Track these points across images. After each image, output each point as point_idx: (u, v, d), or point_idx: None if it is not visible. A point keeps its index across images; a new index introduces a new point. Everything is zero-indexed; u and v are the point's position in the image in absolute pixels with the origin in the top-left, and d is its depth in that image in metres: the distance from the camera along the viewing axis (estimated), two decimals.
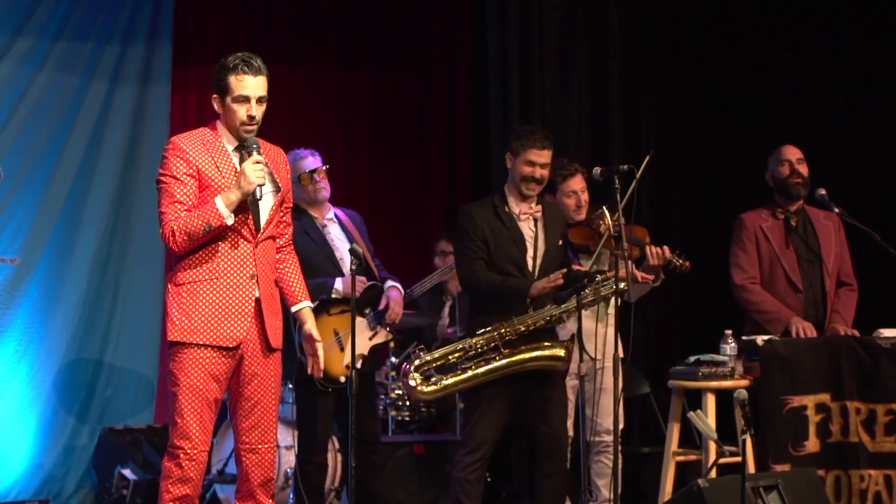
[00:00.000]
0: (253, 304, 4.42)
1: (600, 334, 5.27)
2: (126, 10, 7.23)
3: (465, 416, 5.38)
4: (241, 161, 4.41)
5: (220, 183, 4.37)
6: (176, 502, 4.38)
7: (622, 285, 5.12)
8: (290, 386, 6.43)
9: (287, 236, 4.68)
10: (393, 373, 6.76)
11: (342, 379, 5.43)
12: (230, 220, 4.33)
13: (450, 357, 5.20)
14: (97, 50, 7.15)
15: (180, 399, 4.35)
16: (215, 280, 4.37)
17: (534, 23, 7.52)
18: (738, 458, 4.74)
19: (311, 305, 4.70)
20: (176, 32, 7.35)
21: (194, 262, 4.37)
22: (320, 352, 4.64)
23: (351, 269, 5.00)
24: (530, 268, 5.26)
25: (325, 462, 5.86)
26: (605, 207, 5.46)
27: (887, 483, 5.43)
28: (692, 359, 5.57)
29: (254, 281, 4.41)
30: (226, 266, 4.38)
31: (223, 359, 4.39)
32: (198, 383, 4.35)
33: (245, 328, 4.40)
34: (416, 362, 5.19)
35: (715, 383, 5.47)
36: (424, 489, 6.55)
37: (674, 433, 5.69)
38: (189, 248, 4.34)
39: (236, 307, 4.39)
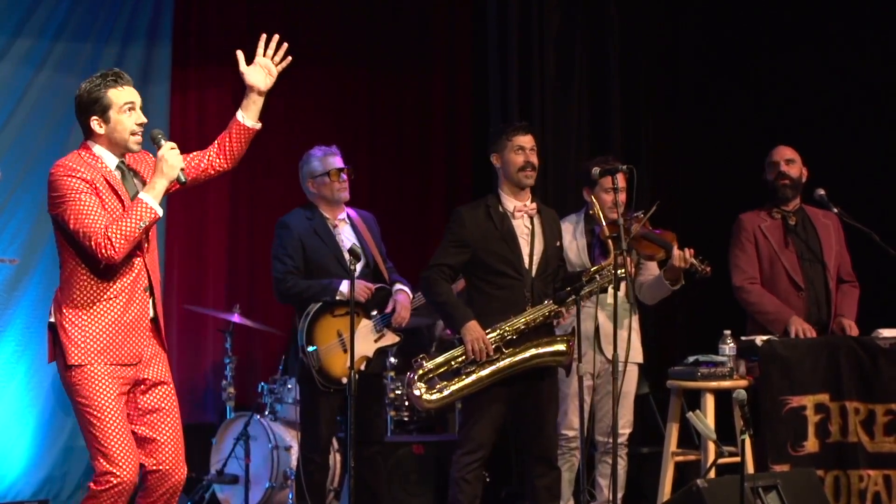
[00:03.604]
0: (150, 319, 4.32)
1: (622, 337, 5.17)
2: (126, 10, 7.22)
3: (463, 416, 5.37)
4: (124, 177, 4.30)
5: (116, 205, 4.23)
6: None
7: (620, 272, 5.11)
8: (290, 386, 6.44)
9: (202, 155, 4.48)
10: (392, 373, 6.76)
11: (344, 380, 5.42)
12: (161, 212, 4.24)
13: (452, 363, 5.19)
14: (97, 50, 7.13)
15: (103, 422, 4.17)
16: (113, 299, 4.24)
17: (534, 23, 7.52)
18: (737, 459, 4.74)
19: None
20: (176, 32, 7.34)
21: (89, 282, 4.22)
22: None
23: (350, 269, 5.02)
24: (527, 265, 5.26)
25: (328, 462, 5.86)
26: (642, 212, 5.54)
27: (886, 483, 5.42)
28: (691, 359, 5.57)
29: (148, 293, 4.32)
30: (121, 283, 4.25)
31: (126, 374, 4.26)
32: (114, 403, 4.20)
33: (146, 343, 4.29)
34: (420, 371, 5.18)
35: (714, 383, 5.46)
36: (423, 489, 6.56)
37: (673, 433, 5.68)
38: (127, 251, 4.18)
39: (136, 324, 4.27)
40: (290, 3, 7.74)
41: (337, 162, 5.72)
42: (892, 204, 6.75)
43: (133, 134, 4.29)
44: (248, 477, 6.32)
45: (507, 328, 5.16)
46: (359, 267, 5.47)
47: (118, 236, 4.13)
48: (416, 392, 5.17)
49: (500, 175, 5.36)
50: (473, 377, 5.15)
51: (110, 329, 4.22)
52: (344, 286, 5.49)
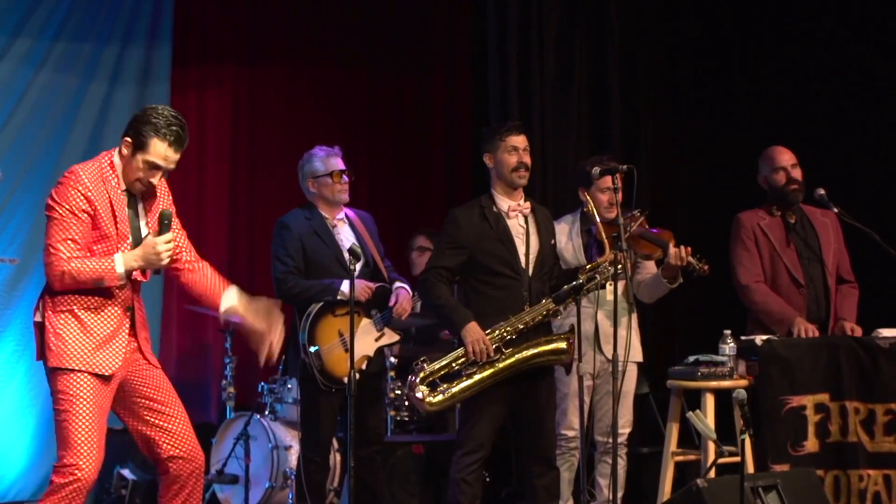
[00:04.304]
0: (128, 334, 4.39)
1: (621, 336, 5.16)
2: (126, 10, 7.22)
3: (463, 417, 5.37)
4: (129, 202, 4.38)
5: (110, 229, 4.31)
6: None
7: (618, 268, 5.12)
8: (290, 386, 6.44)
9: (186, 254, 4.60)
10: (392, 373, 6.76)
11: (346, 380, 5.42)
12: (123, 282, 4.31)
13: (453, 365, 5.19)
14: (97, 50, 7.14)
15: (76, 415, 4.24)
16: (91, 309, 4.32)
17: (533, 23, 7.53)
18: (737, 458, 4.74)
19: (236, 292, 4.63)
20: (176, 32, 7.34)
21: (80, 291, 4.31)
22: (274, 333, 4.63)
23: (350, 269, 5.02)
24: (523, 265, 5.26)
25: (328, 462, 5.87)
26: (638, 211, 5.53)
27: (886, 483, 5.42)
28: (691, 359, 5.56)
29: (129, 312, 4.40)
30: (102, 296, 4.33)
31: (105, 387, 4.34)
32: (91, 398, 4.27)
33: (121, 358, 4.35)
34: (421, 374, 5.17)
35: (714, 383, 5.46)
36: (423, 489, 6.56)
37: (673, 433, 5.68)
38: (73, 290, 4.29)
39: (111, 338, 4.34)
40: (290, 3, 7.74)
41: (339, 163, 5.73)
42: (892, 204, 6.75)
43: (138, 180, 4.36)
44: (248, 477, 6.31)
45: (506, 328, 5.16)
46: (358, 266, 5.48)
47: (71, 278, 4.25)
48: (419, 395, 5.16)
49: (493, 175, 5.36)
50: (475, 378, 5.15)
51: (89, 337, 4.29)
52: (345, 286, 5.48)
